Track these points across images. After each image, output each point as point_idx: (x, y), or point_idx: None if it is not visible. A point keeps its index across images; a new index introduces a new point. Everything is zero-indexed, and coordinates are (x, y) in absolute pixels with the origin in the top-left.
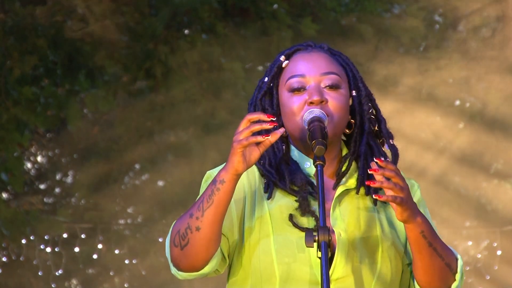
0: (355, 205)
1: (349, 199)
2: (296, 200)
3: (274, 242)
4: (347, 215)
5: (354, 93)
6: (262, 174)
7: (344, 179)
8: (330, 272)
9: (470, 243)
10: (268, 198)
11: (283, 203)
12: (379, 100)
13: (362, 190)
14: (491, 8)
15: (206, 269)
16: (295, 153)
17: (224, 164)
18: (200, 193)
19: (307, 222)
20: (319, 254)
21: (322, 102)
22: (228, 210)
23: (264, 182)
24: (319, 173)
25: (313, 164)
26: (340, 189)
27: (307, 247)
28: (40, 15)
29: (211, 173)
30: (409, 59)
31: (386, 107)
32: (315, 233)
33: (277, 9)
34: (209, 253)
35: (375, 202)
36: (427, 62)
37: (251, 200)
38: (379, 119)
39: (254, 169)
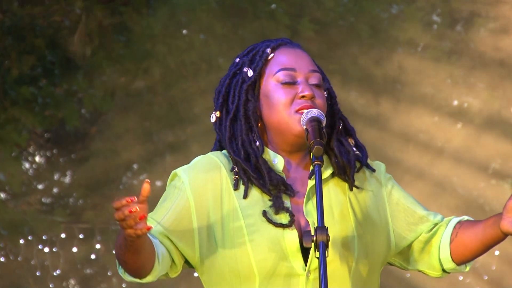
0: (327, 196)
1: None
2: (270, 199)
3: (249, 241)
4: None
5: (325, 94)
6: (232, 169)
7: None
8: (308, 263)
9: None
10: (244, 197)
11: (254, 199)
12: (377, 99)
13: (334, 180)
14: (489, 9)
15: (148, 279)
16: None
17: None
18: (165, 196)
19: (280, 218)
20: (317, 254)
21: (313, 98)
22: (188, 228)
23: (234, 178)
24: (317, 173)
25: (312, 164)
26: (312, 182)
27: (304, 246)
28: (38, 15)
29: (178, 174)
30: (407, 59)
31: (384, 107)
32: (313, 233)
33: (275, 9)
34: (146, 270)
35: (351, 187)
36: (425, 62)
37: (219, 205)
38: (343, 118)
39: (218, 164)
